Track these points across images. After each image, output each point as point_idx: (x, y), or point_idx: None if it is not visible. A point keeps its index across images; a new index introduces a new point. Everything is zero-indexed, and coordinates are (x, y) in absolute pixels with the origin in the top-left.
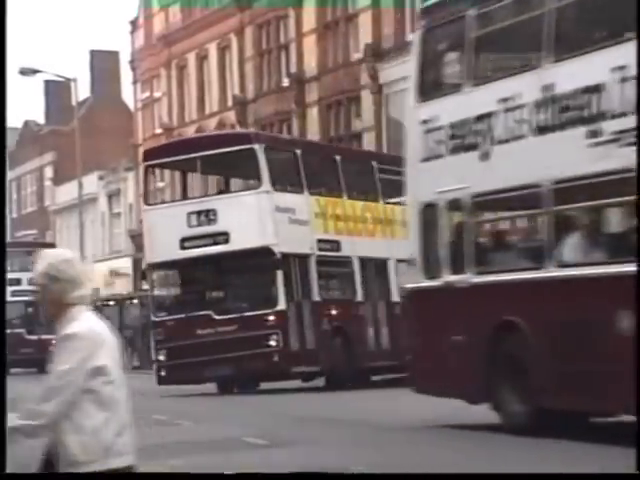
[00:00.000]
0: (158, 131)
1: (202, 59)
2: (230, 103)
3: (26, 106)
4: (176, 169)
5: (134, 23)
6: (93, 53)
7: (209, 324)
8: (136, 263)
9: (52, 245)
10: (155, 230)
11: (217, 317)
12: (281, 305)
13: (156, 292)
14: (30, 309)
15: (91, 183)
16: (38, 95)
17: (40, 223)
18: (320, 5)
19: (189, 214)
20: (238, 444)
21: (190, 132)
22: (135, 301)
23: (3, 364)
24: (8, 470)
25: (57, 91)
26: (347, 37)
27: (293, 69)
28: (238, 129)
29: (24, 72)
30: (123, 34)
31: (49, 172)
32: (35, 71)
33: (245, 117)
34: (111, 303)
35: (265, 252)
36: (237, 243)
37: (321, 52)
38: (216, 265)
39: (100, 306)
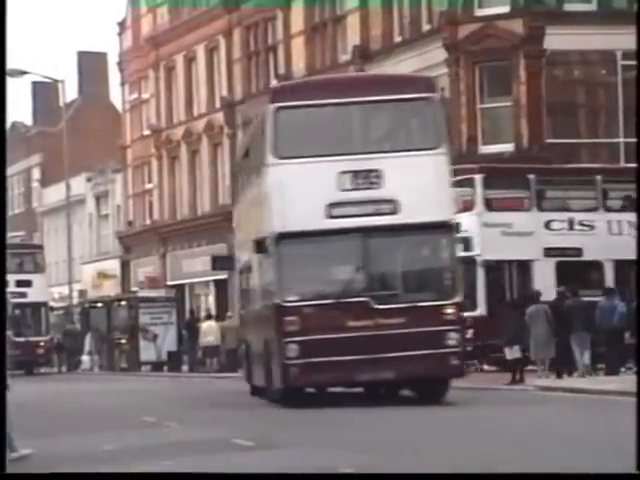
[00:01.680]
0: (146, 132)
1: (190, 60)
2: (218, 104)
3: (13, 107)
4: (317, 115)
5: (122, 24)
6: (81, 54)
7: (366, 314)
8: (124, 265)
9: (40, 247)
10: (289, 191)
11: (377, 306)
12: (460, 297)
13: (284, 270)
14: (17, 311)
15: (79, 185)
16: (26, 96)
17: (27, 225)
18: (308, 6)
19: (342, 174)
20: (227, 445)
21: (178, 134)
22: (123, 303)
23: (3, 364)
24: None
25: (45, 92)
26: (335, 39)
27: (281, 70)
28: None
29: (11, 73)
30: (111, 35)
31: (36, 173)
32: (23, 72)
33: (233, 119)
34: (99, 305)
35: (443, 229)
36: (407, 214)
37: (309, 54)
38: (375, 240)
39: (88, 308)
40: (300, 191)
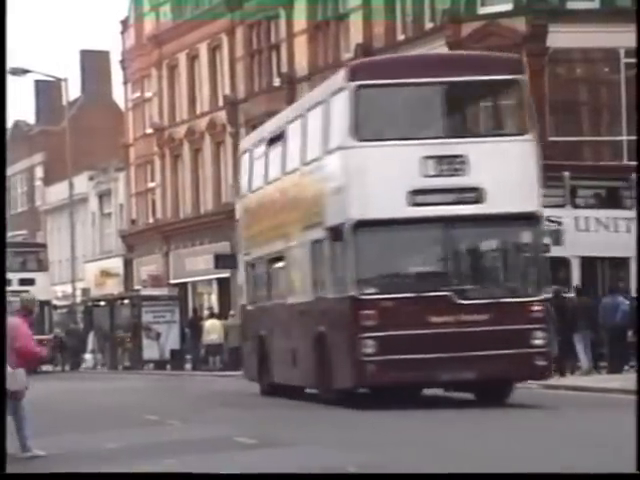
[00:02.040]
0: (149, 131)
1: (193, 59)
2: (221, 103)
3: (16, 106)
4: (400, 95)
5: (125, 23)
6: (83, 53)
7: (448, 310)
8: (127, 263)
9: (43, 245)
10: (370, 176)
11: (460, 301)
12: (546, 293)
13: (362, 260)
14: None
15: (81, 183)
16: (28, 95)
17: (30, 223)
18: (311, 4)
19: (425, 159)
20: (229, 444)
21: (181, 132)
22: (126, 301)
23: (3, 365)
24: None
25: (47, 91)
26: (338, 37)
27: (284, 69)
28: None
29: (14, 72)
30: (114, 34)
31: (39, 172)
32: (25, 71)
33: (236, 117)
34: (102, 303)
35: (530, 220)
36: (493, 204)
37: (312, 52)
38: (458, 231)
39: (91, 306)
40: (381, 176)
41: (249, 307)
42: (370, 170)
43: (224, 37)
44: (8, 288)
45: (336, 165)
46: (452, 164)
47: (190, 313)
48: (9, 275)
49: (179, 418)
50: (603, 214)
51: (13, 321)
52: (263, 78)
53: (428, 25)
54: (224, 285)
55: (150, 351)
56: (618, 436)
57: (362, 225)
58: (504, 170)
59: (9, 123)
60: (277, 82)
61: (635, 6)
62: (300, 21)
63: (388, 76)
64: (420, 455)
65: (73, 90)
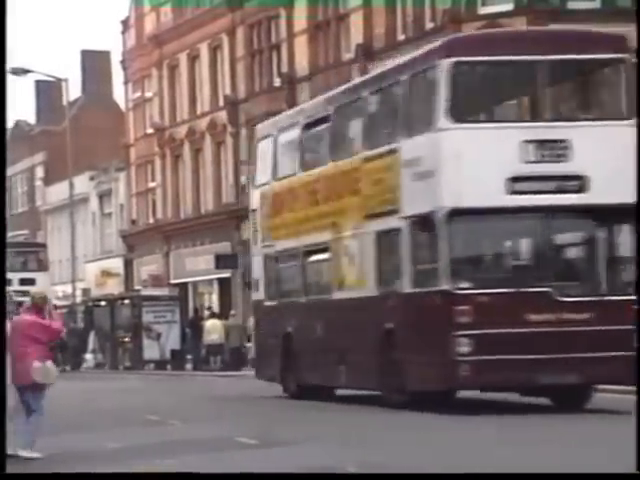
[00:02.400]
0: (149, 131)
1: (193, 59)
2: (221, 103)
3: (17, 106)
4: (499, 74)
5: (125, 23)
6: (84, 53)
7: (548, 307)
8: (127, 263)
9: (43, 245)
10: (466, 161)
11: (561, 298)
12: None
13: (456, 252)
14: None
15: (82, 183)
16: (29, 95)
17: (31, 223)
18: (311, 5)
19: (525, 143)
20: (230, 444)
21: (181, 132)
22: (126, 301)
23: (3, 365)
24: None
25: (48, 91)
26: (338, 37)
27: (284, 69)
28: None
29: (15, 72)
30: (114, 34)
31: (40, 172)
32: (26, 71)
33: (236, 117)
34: (102, 303)
35: (633, 212)
36: (596, 194)
37: (312, 52)
38: (559, 222)
39: (91, 306)
40: (478, 161)
41: (268, 303)
42: (467, 154)
43: (225, 37)
44: (9, 288)
45: (424, 149)
46: (554, 149)
47: (191, 313)
48: (10, 275)
49: (180, 418)
50: None
51: (28, 319)
52: (264, 78)
53: (429, 25)
54: (225, 285)
55: (151, 351)
56: (618, 436)
57: (456, 214)
58: (608, 157)
59: (10, 123)
60: (278, 82)
61: (635, 6)
62: (301, 21)
63: (486, 52)
64: (419, 454)
65: (74, 90)
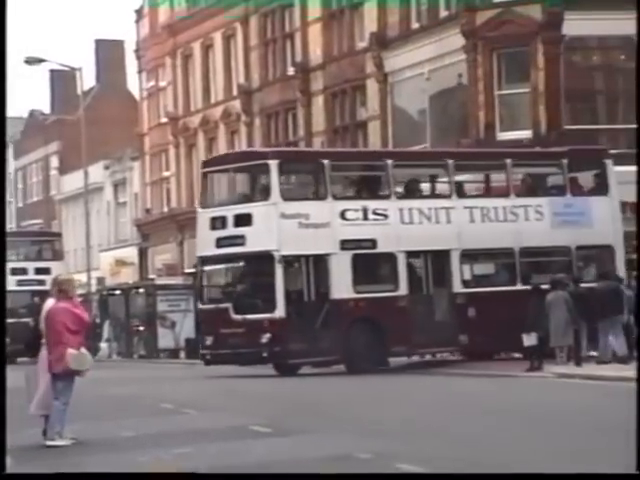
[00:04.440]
0: (163, 120)
1: (207, 48)
2: (235, 92)
3: (31, 95)
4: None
5: (139, 12)
6: (98, 42)
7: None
8: (142, 252)
9: (58, 235)
10: None
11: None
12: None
13: None
14: (37, 298)
15: (97, 172)
16: (43, 84)
17: (46, 212)
18: None
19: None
20: (244, 432)
21: (195, 121)
22: (141, 290)
23: (3, 365)
24: None
25: (62, 80)
26: (352, 26)
27: (298, 58)
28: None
29: (30, 61)
30: (128, 23)
31: (55, 161)
32: (40, 60)
33: (250, 106)
34: (117, 292)
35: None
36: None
37: (326, 41)
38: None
39: (106, 295)
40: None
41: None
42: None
43: (238, 26)
44: (24, 277)
45: None
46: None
47: None
48: (25, 264)
49: (194, 407)
50: (425, 204)
51: (62, 307)
52: (277, 67)
53: (443, 13)
54: None
55: (165, 340)
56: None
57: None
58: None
59: (25, 113)
60: (291, 71)
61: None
62: (314, 10)
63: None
64: (430, 444)
65: (88, 79)
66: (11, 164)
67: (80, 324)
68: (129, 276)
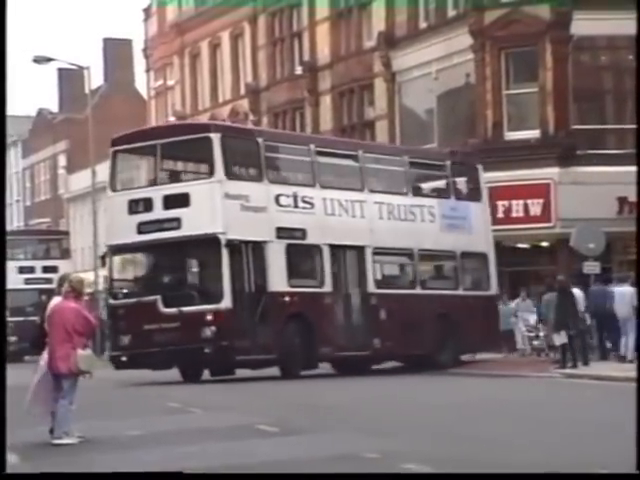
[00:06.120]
0: (171, 119)
1: (215, 47)
2: (243, 91)
3: (40, 94)
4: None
5: (147, 11)
6: (106, 41)
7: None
8: None
9: (66, 233)
10: None
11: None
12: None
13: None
14: (44, 297)
15: (104, 171)
16: (52, 83)
17: (54, 211)
18: None
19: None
20: (251, 432)
21: (204, 120)
22: None
23: (3, 365)
24: None
25: (70, 79)
26: (360, 25)
27: (306, 57)
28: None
29: (38, 60)
30: (136, 22)
31: (63, 160)
32: (49, 59)
33: (258, 105)
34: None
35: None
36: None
37: (334, 40)
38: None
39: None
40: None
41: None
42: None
43: (246, 25)
44: (31, 275)
45: None
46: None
47: None
48: (33, 263)
49: (201, 406)
50: (346, 195)
51: (70, 307)
52: (285, 66)
53: (451, 13)
54: None
55: None
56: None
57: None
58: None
59: (33, 111)
60: (299, 70)
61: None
62: (322, 9)
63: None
64: (437, 444)
65: (96, 78)
66: (19, 163)
67: (88, 327)
68: None
